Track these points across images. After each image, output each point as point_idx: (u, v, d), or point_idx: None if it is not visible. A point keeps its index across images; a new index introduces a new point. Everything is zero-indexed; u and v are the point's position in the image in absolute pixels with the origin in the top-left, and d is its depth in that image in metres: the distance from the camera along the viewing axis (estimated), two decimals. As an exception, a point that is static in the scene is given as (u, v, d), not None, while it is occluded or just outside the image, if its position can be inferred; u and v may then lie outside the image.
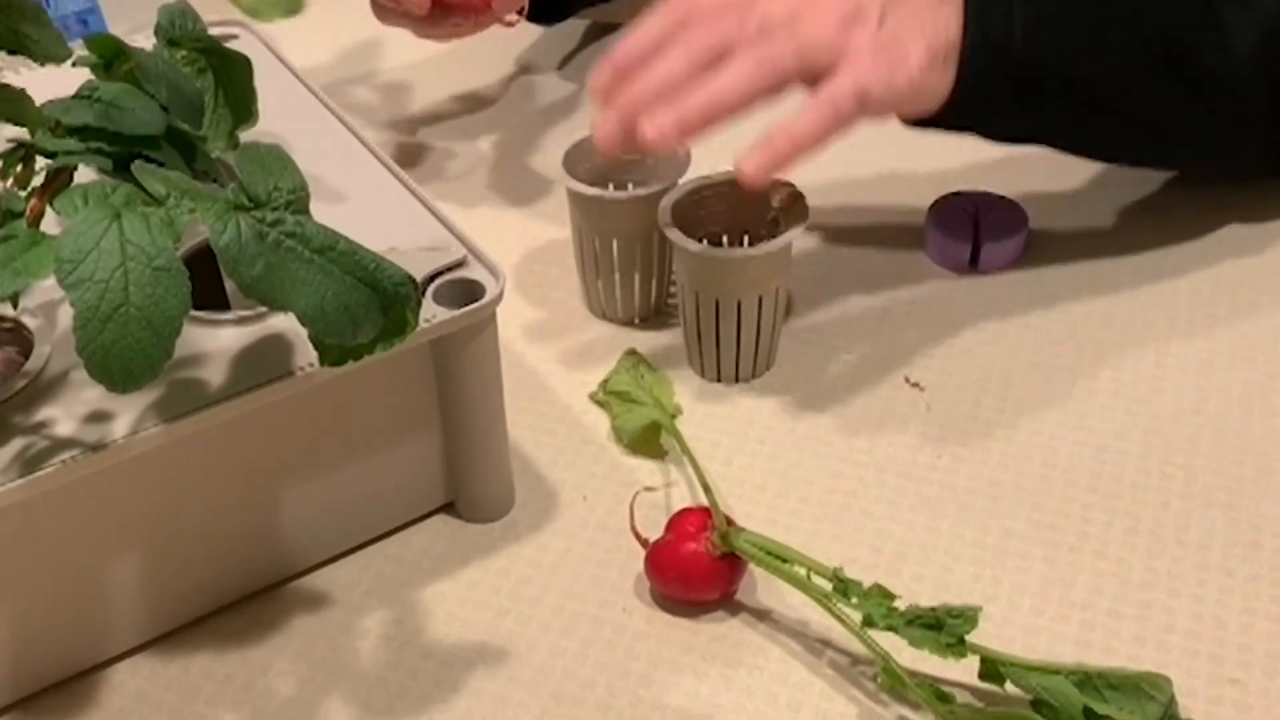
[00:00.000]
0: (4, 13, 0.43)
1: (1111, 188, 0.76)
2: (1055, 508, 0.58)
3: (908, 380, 0.65)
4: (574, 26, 0.97)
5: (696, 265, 0.61)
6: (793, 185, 0.63)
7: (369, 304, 0.44)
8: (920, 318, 0.68)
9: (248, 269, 0.41)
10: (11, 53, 0.45)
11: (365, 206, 0.59)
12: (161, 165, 0.50)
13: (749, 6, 0.57)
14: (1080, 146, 0.68)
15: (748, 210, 0.64)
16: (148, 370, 0.40)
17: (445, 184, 0.81)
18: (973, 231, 0.71)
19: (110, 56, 0.54)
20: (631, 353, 0.65)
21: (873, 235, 0.74)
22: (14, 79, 0.63)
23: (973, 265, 0.71)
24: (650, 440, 0.61)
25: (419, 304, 0.46)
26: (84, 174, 0.49)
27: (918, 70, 0.57)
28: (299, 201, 0.43)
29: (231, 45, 0.66)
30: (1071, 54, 0.60)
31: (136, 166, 0.42)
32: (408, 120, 0.87)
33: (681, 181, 0.64)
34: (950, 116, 0.60)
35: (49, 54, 0.45)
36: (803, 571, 0.51)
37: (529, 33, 0.97)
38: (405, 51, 0.94)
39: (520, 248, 0.75)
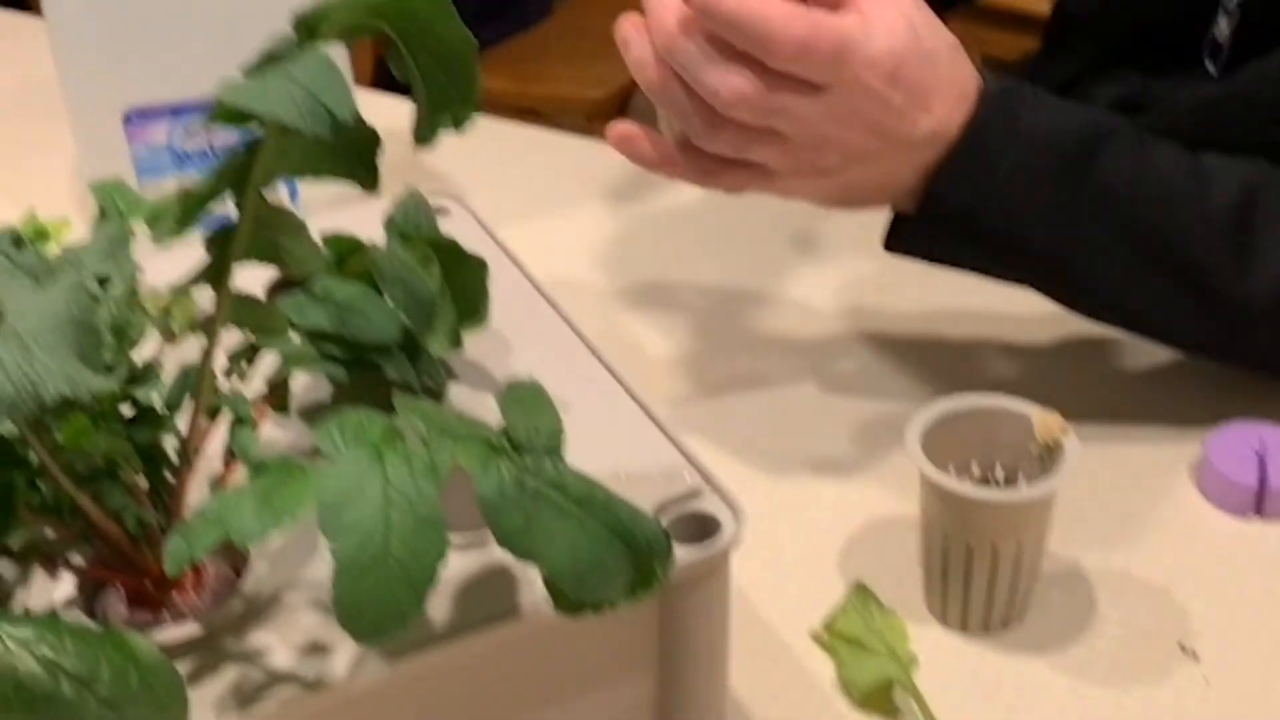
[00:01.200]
0: (264, 225, 0.49)
1: None
2: (1363, 820, 0.58)
3: (1182, 648, 0.65)
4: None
5: (949, 504, 0.64)
6: (1059, 417, 0.65)
7: (621, 559, 0.47)
8: (1197, 570, 0.69)
9: (509, 520, 0.45)
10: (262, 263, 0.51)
11: (585, 417, 0.63)
12: (388, 376, 0.55)
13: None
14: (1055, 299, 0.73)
15: (1007, 439, 0.66)
16: (398, 624, 0.44)
17: (657, 379, 0.85)
18: (1258, 470, 0.72)
19: (347, 253, 0.60)
20: (860, 589, 0.68)
21: (1141, 468, 0.76)
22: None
23: (1258, 511, 0.72)
24: (883, 697, 0.63)
25: (669, 557, 0.49)
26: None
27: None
28: (556, 446, 0.48)
29: (442, 219, 0.72)
30: (1051, 235, 0.67)
31: (399, 400, 0.47)
32: (621, 304, 0.92)
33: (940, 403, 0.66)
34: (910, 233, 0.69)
35: (305, 266, 0.51)
36: None
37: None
38: (617, 223, 1.00)
39: (729, 451, 0.79)
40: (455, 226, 0.74)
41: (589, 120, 2.10)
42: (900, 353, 0.84)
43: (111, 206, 0.64)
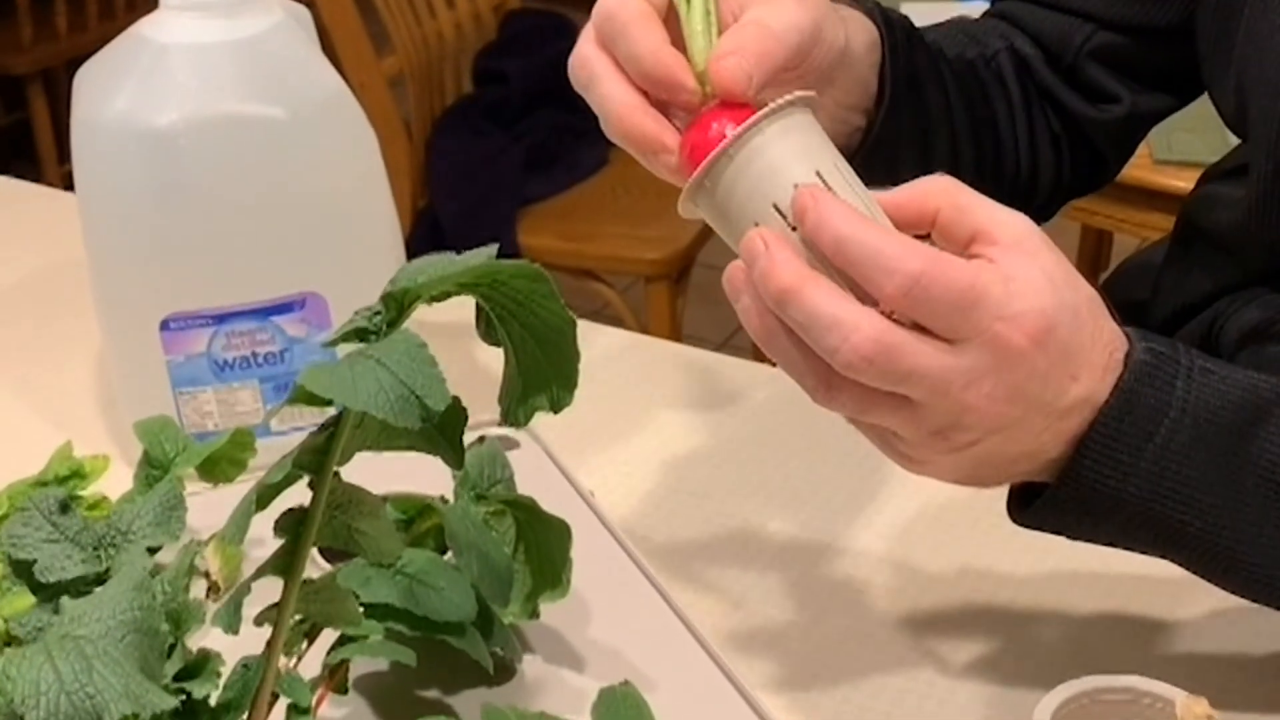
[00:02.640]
0: (342, 510, 0.51)
1: None
2: None
3: None
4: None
5: (1082, 803, 0.63)
6: (1206, 703, 0.65)
7: None
8: None
9: None
10: (340, 549, 0.52)
11: (675, 698, 0.63)
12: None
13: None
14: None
15: (1145, 726, 0.66)
16: None
17: (757, 651, 0.83)
18: None
19: (413, 515, 0.61)
20: None
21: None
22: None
23: None
24: None
25: None
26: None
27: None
28: (656, 764, 0.48)
29: (511, 454, 0.73)
30: (1206, 514, 0.65)
31: (486, 713, 0.47)
32: (702, 547, 0.90)
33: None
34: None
35: (379, 550, 0.52)
36: None
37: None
38: (696, 441, 0.99)
39: None
40: (526, 464, 0.74)
41: (648, 283, 2.13)
42: (1016, 622, 0.83)
43: (159, 451, 0.66)
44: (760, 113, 0.59)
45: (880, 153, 0.78)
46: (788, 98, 0.60)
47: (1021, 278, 0.60)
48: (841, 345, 0.58)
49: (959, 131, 0.84)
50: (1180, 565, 0.71)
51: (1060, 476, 0.64)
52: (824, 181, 0.60)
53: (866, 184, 0.82)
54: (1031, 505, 0.67)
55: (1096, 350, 0.63)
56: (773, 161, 0.59)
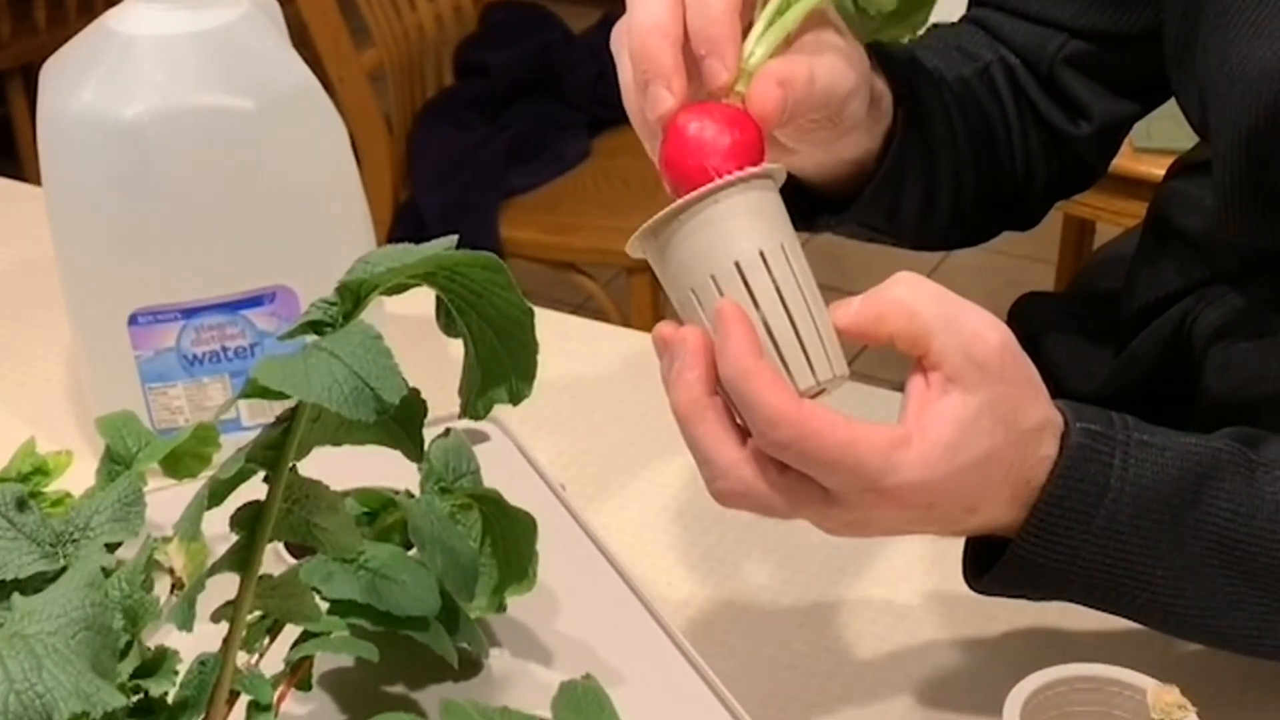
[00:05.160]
0: (300, 504, 0.50)
1: None
2: None
3: None
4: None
5: (1053, 793, 0.63)
6: (1177, 692, 0.65)
7: None
8: None
9: None
10: (300, 544, 0.51)
11: (643, 692, 0.63)
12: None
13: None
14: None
15: (1118, 715, 0.66)
16: None
17: (727, 644, 0.83)
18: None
19: (377, 509, 0.60)
20: None
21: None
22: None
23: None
24: None
25: None
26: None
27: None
28: (617, 758, 0.48)
29: (480, 447, 0.73)
30: (1153, 583, 0.65)
31: (446, 709, 0.47)
32: (681, 550, 0.90)
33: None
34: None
35: (338, 545, 0.52)
36: None
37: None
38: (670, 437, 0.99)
39: None
40: (496, 457, 0.74)
41: (630, 274, 2.13)
42: (989, 612, 0.83)
43: (121, 447, 0.65)
44: (723, 181, 0.58)
45: (886, 190, 0.78)
46: (754, 170, 0.59)
47: (917, 444, 0.59)
48: (711, 483, 0.59)
49: (962, 156, 0.83)
50: (1145, 626, 0.70)
51: (1005, 557, 0.64)
52: (765, 263, 0.58)
53: (867, 219, 0.80)
54: (982, 577, 0.66)
55: (1013, 476, 0.62)
56: (722, 234, 0.58)
